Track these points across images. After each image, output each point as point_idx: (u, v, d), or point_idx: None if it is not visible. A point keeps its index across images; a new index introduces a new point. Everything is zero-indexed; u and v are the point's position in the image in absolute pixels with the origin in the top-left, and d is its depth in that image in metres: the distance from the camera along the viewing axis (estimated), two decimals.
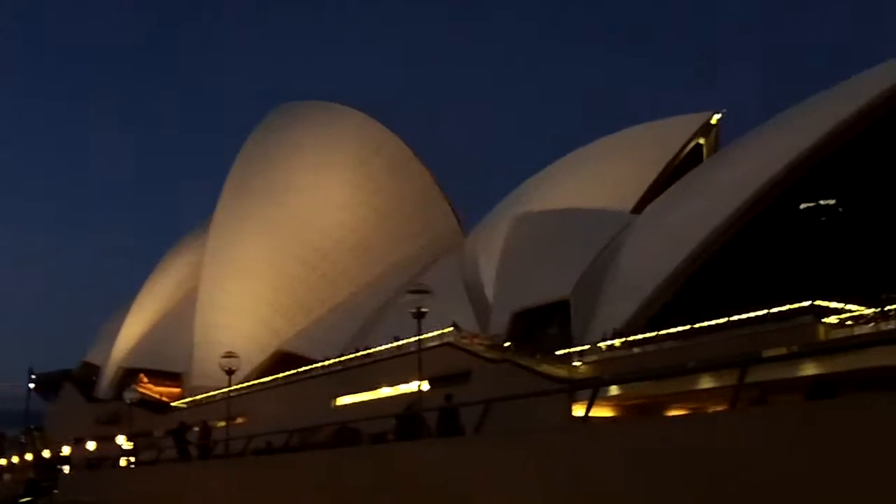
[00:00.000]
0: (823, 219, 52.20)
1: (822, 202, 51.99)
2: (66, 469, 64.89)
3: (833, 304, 38.18)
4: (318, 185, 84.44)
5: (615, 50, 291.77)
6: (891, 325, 34.93)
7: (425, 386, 32.88)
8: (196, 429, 39.58)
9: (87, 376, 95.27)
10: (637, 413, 38.72)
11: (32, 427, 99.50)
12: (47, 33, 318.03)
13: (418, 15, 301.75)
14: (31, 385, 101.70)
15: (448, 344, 49.63)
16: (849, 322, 37.09)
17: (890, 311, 35.76)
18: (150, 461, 37.02)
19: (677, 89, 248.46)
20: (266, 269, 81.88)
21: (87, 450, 74.46)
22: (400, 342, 52.69)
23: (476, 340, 51.81)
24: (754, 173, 50.07)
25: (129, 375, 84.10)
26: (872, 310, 36.49)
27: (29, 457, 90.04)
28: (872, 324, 35.82)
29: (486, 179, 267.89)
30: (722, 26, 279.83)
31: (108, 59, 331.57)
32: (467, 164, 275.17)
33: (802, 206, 51.42)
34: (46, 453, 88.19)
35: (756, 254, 48.40)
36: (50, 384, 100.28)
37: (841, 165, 49.26)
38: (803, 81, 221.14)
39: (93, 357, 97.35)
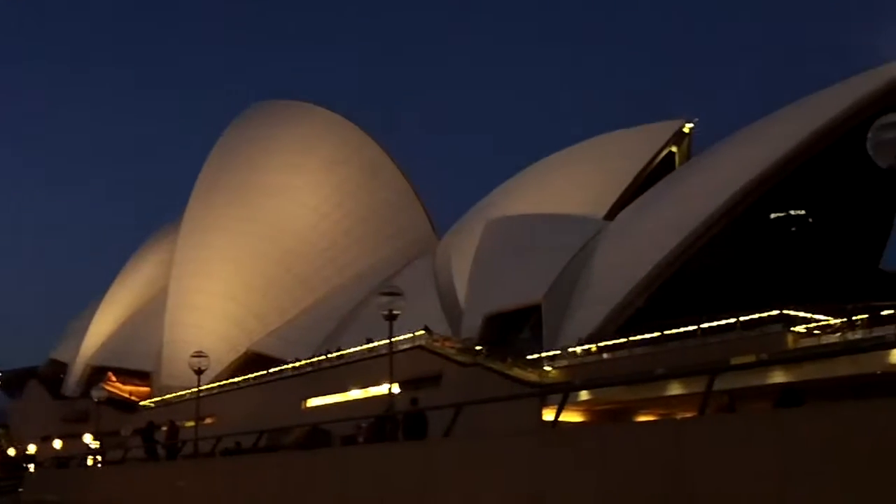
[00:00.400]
0: (793, 229, 52.78)
1: (792, 212, 52.57)
2: (32, 468, 64.12)
3: (802, 314, 38.56)
4: (292, 186, 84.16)
5: (592, 52, 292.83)
6: (857, 335, 35.34)
7: (396, 389, 32.83)
8: (164, 428, 39.37)
9: (53, 374, 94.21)
10: (607, 418, 38.87)
11: None
12: (46, 30, 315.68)
13: (394, 15, 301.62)
14: None
15: (420, 347, 49.64)
16: (816, 331, 37.48)
17: (856, 321, 36.17)
18: (118, 461, 36.74)
19: (653, 95, 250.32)
20: (238, 268, 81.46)
21: (54, 448, 73.78)
22: (371, 344, 52.60)
23: (448, 344, 51.86)
24: (726, 182, 50.50)
25: (97, 373, 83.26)
26: (840, 320, 36.88)
27: None
28: (839, 333, 36.21)
29: (461, 183, 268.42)
30: (706, 33, 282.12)
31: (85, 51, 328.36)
32: (443, 168, 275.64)
33: (773, 215, 51.96)
34: (11, 451, 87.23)
35: (727, 262, 48.83)
36: (15, 381, 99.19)
37: (812, 177, 49.82)
38: (779, 90, 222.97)
39: (60, 354, 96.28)
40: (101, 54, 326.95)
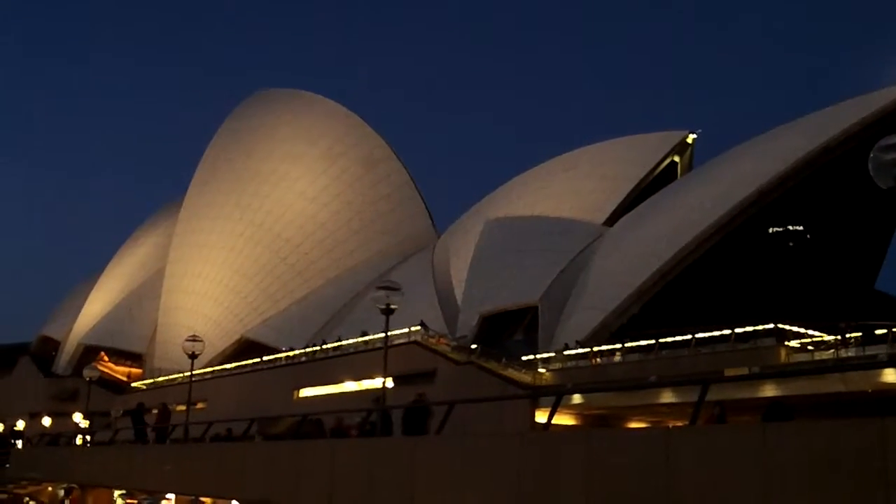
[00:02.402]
0: (791, 244, 52.91)
1: (790, 228, 52.72)
2: (20, 444, 64.06)
3: (796, 329, 38.61)
4: (292, 176, 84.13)
5: (604, 57, 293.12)
6: (850, 353, 35.41)
7: (390, 383, 32.93)
8: (155, 411, 39.29)
9: (44, 351, 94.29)
10: (597, 423, 38.95)
11: None
12: (53, 25, 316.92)
13: (404, 15, 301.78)
14: None
15: (415, 342, 49.70)
16: (810, 347, 37.55)
17: (850, 339, 36.25)
18: (107, 441, 36.77)
19: (662, 105, 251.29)
20: (235, 255, 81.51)
21: (42, 425, 73.81)
22: (367, 337, 52.68)
23: (443, 341, 51.90)
24: (726, 195, 50.62)
25: (89, 353, 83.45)
26: (834, 337, 36.94)
27: None
28: (833, 350, 36.26)
29: (463, 180, 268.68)
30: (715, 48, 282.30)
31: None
32: (444, 164, 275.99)
33: (771, 230, 52.11)
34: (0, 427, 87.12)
35: (723, 274, 48.95)
36: (6, 357, 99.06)
37: (811, 193, 50.00)
38: (783, 106, 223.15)
39: (52, 331, 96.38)
40: (106, 40, 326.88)
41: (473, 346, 50.16)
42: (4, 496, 39.26)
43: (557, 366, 45.77)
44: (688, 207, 52.42)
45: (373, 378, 45.97)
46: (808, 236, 53.24)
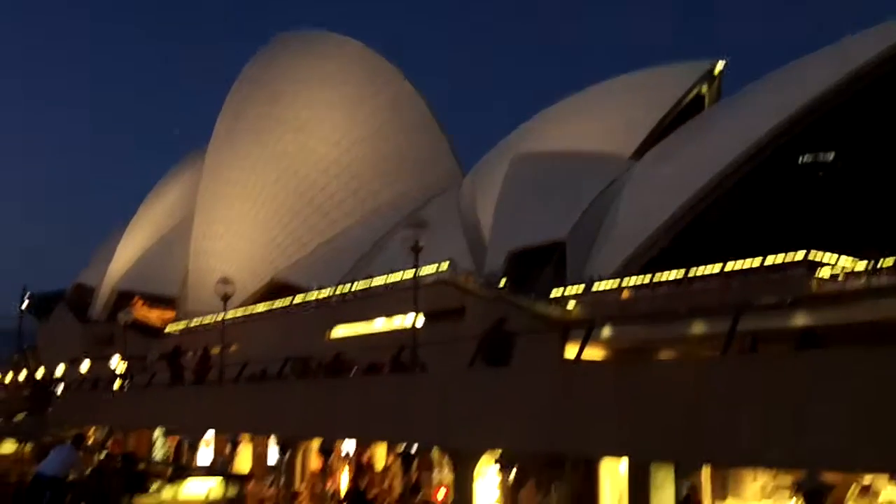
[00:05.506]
0: (821, 173, 52.30)
1: (820, 156, 52.06)
2: (60, 389, 65.29)
3: (826, 258, 38.39)
4: (316, 119, 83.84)
5: None
6: (882, 281, 35.21)
7: (421, 320, 33.12)
8: (190, 353, 39.86)
9: (80, 298, 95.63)
10: (628, 357, 39.08)
11: (26, 346, 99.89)
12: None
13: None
14: (25, 304, 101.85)
15: (443, 281, 49.85)
16: (841, 277, 37.35)
17: (881, 267, 36.02)
18: (144, 384, 37.44)
19: (683, 34, 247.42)
20: (262, 199, 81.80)
21: (80, 371, 75.07)
22: (396, 276, 52.85)
23: (471, 278, 52.00)
24: (755, 125, 50.00)
25: (123, 298, 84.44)
26: (865, 262, 36.73)
27: (22, 375, 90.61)
28: (864, 279, 36.08)
29: (488, 118, 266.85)
30: None
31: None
32: (469, 102, 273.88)
33: (801, 159, 51.47)
34: (39, 372, 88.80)
35: (752, 205, 48.56)
36: (43, 305, 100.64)
37: (841, 121, 49.24)
38: (811, 33, 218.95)
39: (86, 278, 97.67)
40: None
41: (502, 283, 50.22)
42: (48, 440, 40.15)
43: (587, 300, 45.79)
44: (717, 138, 51.87)
45: (404, 315, 46.23)
46: (840, 165, 52.52)
